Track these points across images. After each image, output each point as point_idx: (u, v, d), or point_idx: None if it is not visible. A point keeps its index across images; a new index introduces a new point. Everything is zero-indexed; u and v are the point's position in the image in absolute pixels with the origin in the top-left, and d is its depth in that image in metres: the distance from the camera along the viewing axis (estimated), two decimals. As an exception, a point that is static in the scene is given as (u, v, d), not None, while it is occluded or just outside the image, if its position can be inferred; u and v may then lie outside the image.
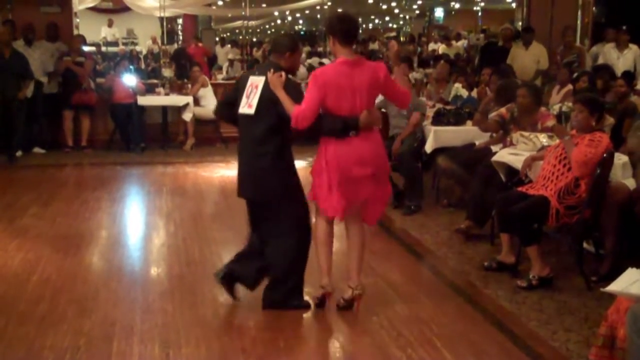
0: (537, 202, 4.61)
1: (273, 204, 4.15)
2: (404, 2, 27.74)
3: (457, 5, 28.96)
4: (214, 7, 19.37)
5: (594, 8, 10.81)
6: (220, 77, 12.87)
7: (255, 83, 4.12)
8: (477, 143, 6.48)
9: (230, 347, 3.81)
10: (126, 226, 6.61)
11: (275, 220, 4.17)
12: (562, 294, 4.54)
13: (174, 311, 4.27)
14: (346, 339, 4.00)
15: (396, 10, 30.39)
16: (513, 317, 4.18)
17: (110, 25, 18.76)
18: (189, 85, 10.46)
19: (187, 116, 10.12)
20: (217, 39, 21.08)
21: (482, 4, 26.72)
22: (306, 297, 4.35)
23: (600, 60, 9.17)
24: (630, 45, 9.24)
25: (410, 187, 6.71)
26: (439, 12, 29.40)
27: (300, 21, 34.48)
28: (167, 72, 11.30)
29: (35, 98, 9.60)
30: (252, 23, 23.21)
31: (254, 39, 21.75)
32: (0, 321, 4.07)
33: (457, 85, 8.49)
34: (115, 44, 18.14)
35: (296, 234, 4.20)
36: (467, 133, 6.76)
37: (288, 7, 21.48)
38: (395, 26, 34.58)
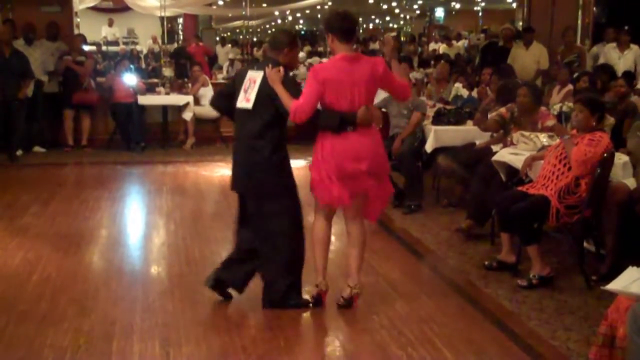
0: (537, 202, 4.61)
1: (267, 198, 4.15)
2: (404, 2, 27.74)
3: (457, 5, 28.95)
4: (214, 7, 19.36)
5: (594, 8, 10.79)
6: (220, 77, 12.87)
7: (254, 78, 4.15)
8: (477, 143, 6.48)
9: (231, 345, 3.81)
10: (126, 225, 6.61)
11: (269, 215, 4.16)
12: (563, 293, 4.54)
13: (174, 310, 4.27)
14: (346, 338, 4.00)
15: (397, 10, 30.38)
16: (513, 316, 4.18)
17: (110, 24, 18.76)
18: (190, 85, 10.47)
19: (188, 115, 10.12)
20: (217, 38, 21.09)
21: (483, 4, 26.72)
22: (305, 296, 4.35)
23: (601, 60, 9.16)
24: (631, 45, 9.24)
25: (410, 187, 6.71)
26: (439, 12, 29.40)
27: (301, 21, 34.49)
28: (168, 72, 11.30)
29: (35, 97, 9.61)
30: (253, 23, 23.23)
31: (255, 39, 21.75)
32: (0, 320, 4.07)
33: (458, 85, 8.50)
34: (115, 43, 18.14)
35: (289, 231, 4.20)
36: (468, 133, 6.76)
37: (288, 7, 21.49)
38: (395, 26, 34.56)
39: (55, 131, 10.11)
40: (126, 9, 16.91)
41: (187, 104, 10.08)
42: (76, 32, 10.79)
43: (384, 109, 7.03)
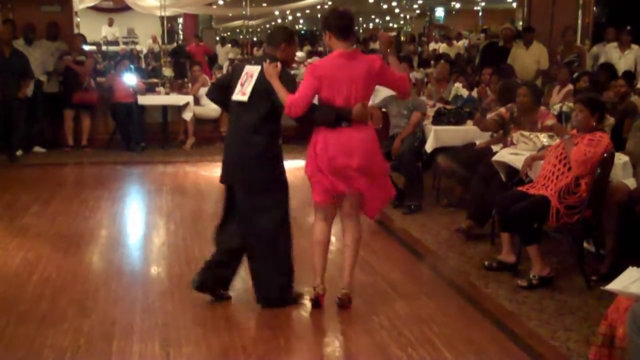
0: (537, 202, 4.61)
1: (260, 193, 4.16)
2: (404, 1, 27.73)
3: (457, 5, 28.95)
4: (214, 7, 19.36)
5: (594, 8, 10.80)
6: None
7: (251, 72, 4.17)
8: (477, 143, 6.48)
9: (231, 346, 3.81)
10: (126, 225, 6.61)
11: (261, 211, 4.17)
12: (563, 294, 4.54)
13: (174, 310, 4.27)
14: (346, 338, 3.99)
15: (397, 10, 30.38)
16: (513, 317, 4.18)
17: (110, 24, 18.76)
18: (189, 85, 10.47)
19: (188, 115, 10.12)
20: (217, 38, 21.07)
21: (483, 3, 26.71)
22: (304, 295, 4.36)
23: (602, 60, 9.16)
24: (632, 45, 9.24)
25: (410, 187, 6.71)
26: (439, 12, 29.40)
27: (301, 21, 34.47)
28: (168, 72, 11.30)
29: (35, 97, 9.61)
30: (253, 22, 23.22)
31: (255, 38, 21.73)
32: (0, 320, 4.07)
33: (458, 85, 8.50)
34: (115, 43, 18.14)
35: (282, 227, 4.23)
36: (468, 133, 6.76)
37: (288, 7, 21.49)
38: (395, 26, 34.54)
39: (55, 131, 10.11)
40: (126, 8, 16.91)
41: (187, 104, 10.07)
42: (76, 32, 10.78)
43: (384, 109, 7.03)
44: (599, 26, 10.60)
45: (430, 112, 7.20)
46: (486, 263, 5.03)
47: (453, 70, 9.44)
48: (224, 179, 4.32)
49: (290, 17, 30.72)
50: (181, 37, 19.67)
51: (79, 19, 11.41)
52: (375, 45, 20.01)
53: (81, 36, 10.56)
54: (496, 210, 5.10)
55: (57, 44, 10.11)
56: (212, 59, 15.15)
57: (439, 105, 7.74)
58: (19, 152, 9.35)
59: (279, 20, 30.13)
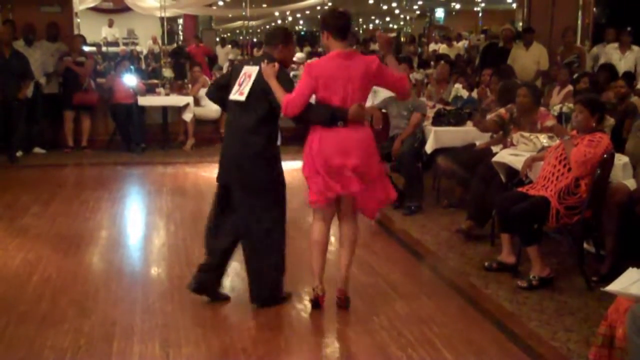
0: (537, 203, 4.61)
1: (257, 193, 4.17)
2: (404, 2, 27.74)
3: (457, 6, 28.97)
4: (214, 8, 19.37)
5: (594, 9, 10.80)
6: (220, 77, 12.86)
7: (249, 72, 4.19)
8: (477, 144, 6.48)
9: (231, 346, 3.81)
10: (126, 226, 6.61)
11: (260, 210, 4.19)
12: (563, 294, 4.54)
13: (174, 311, 4.27)
14: (346, 339, 4.00)
15: (397, 11, 30.39)
16: (513, 317, 4.18)
17: (110, 25, 18.76)
18: (189, 86, 10.47)
19: (188, 116, 10.12)
20: (217, 39, 21.09)
21: (483, 4, 26.72)
22: (305, 297, 4.37)
23: (602, 61, 9.15)
24: (633, 46, 9.24)
25: (410, 188, 6.71)
26: (439, 13, 29.40)
27: (301, 21, 34.49)
28: (168, 72, 11.30)
29: (35, 98, 9.62)
30: (253, 23, 23.21)
31: (255, 39, 21.74)
32: (0, 321, 4.07)
33: (458, 85, 8.50)
34: (115, 44, 18.14)
35: (279, 226, 4.27)
36: (467, 134, 6.76)
37: (288, 8, 21.49)
38: (395, 26, 34.55)
39: (56, 132, 10.12)
40: (126, 9, 16.93)
41: (187, 105, 10.08)
42: (76, 32, 10.78)
43: (384, 110, 7.03)
44: (599, 27, 10.60)
45: (430, 113, 7.21)
46: (486, 264, 5.03)
47: (453, 71, 9.43)
48: (221, 178, 4.34)
49: (290, 18, 30.74)
50: (181, 38, 19.67)
51: (79, 20, 11.41)
52: (376, 46, 20.03)
53: (81, 37, 10.57)
54: (496, 211, 5.10)
55: (57, 44, 10.12)
56: (212, 60, 15.16)
57: (439, 106, 7.74)
58: (19, 153, 9.35)
59: (279, 21, 30.15)
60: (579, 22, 10.55)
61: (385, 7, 28.63)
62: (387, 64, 4.26)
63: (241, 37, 21.16)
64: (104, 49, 17.14)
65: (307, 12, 25.90)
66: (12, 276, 4.89)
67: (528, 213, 4.59)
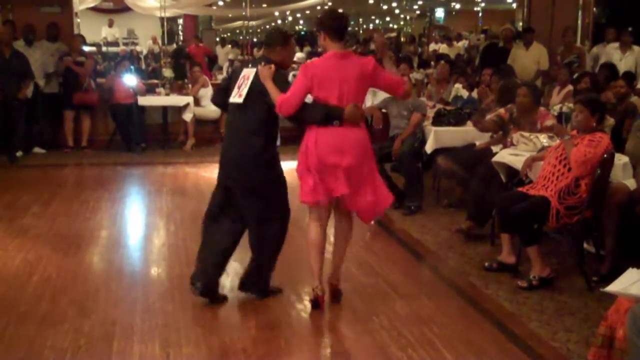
0: (537, 203, 4.61)
1: (258, 193, 4.21)
2: (404, 2, 27.74)
3: (457, 6, 28.96)
4: (214, 8, 19.37)
5: (594, 8, 10.80)
6: (220, 77, 12.87)
7: (247, 75, 4.24)
8: (477, 143, 6.48)
9: (231, 347, 3.81)
10: (126, 226, 6.62)
11: (260, 209, 4.24)
12: (563, 295, 4.54)
13: (175, 311, 4.27)
14: (346, 339, 3.99)
15: (397, 11, 30.39)
16: (513, 318, 4.18)
17: (110, 25, 18.77)
18: (189, 86, 10.47)
19: (188, 116, 10.12)
20: (217, 39, 21.09)
21: (483, 4, 26.72)
22: (305, 298, 4.38)
23: (602, 61, 9.15)
24: (633, 47, 9.24)
25: (410, 188, 6.71)
26: (439, 13, 29.40)
27: (301, 21, 34.48)
28: (168, 72, 11.31)
29: (35, 98, 9.61)
30: (253, 23, 23.20)
31: (255, 39, 21.74)
32: (0, 321, 4.07)
33: (458, 85, 8.49)
34: (115, 44, 18.14)
35: (279, 224, 4.32)
36: (467, 133, 6.76)
37: (288, 7, 21.49)
38: (395, 26, 34.54)
39: (55, 132, 10.13)
40: (126, 9, 16.93)
41: (187, 105, 10.08)
42: (76, 32, 10.78)
43: (384, 110, 7.03)
44: (599, 27, 10.60)
45: (430, 113, 7.20)
46: (486, 264, 5.03)
47: (453, 71, 9.43)
48: (221, 179, 4.37)
49: (290, 18, 30.75)
50: (181, 38, 19.67)
51: (79, 20, 11.41)
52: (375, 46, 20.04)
53: (81, 37, 10.56)
54: (496, 210, 5.10)
55: (57, 45, 10.12)
56: (212, 60, 15.17)
57: (439, 106, 7.74)
58: (19, 153, 9.35)
59: (279, 21, 30.15)
60: (579, 22, 10.55)
61: (385, 7, 28.63)
62: (384, 66, 4.28)
63: (241, 37, 21.15)
64: (104, 49, 17.14)
65: (307, 12, 25.88)
66: (12, 276, 4.89)
67: (528, 213, 4.59)
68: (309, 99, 4.13)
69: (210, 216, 4.41)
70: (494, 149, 6.03)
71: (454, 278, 4.91)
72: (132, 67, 10.90)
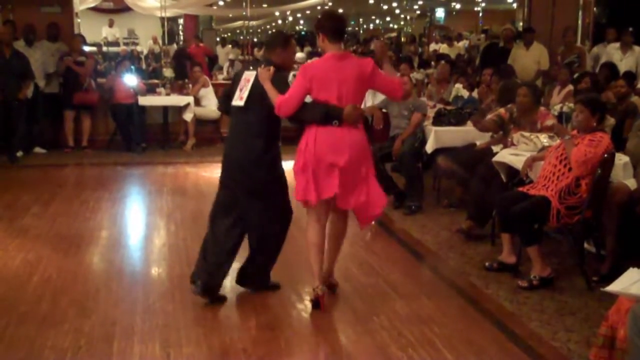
0: (538, 203, 4.61)
1: (259, 194, 4.25)
2: (404, 2, 27.75)
3: (458, 6, 28.95)
4: (214, 7, 19.37)
5: (594, 8, 10.80)
6: (221, 77, 12.88)
7: (248, 77, 4.28)
8: (477, 143, 6.48)
9: (231, 346, 3.81)
10: (127, 226, 6.61)
11: (261, 210, 4.28)
12: (563, 294, 4.54)
13: (175, 311, 4.27)
14: (347, 339, 3.99)
15: (397, 11, 30.39)
16: (514, 318, 4.18)
17: (111, 25, 18.77)
18: (190, 86, 10.47)
19: (188, 116, 10.12)
20: (217, 39, 21.09)
21: (483, 4, 26.72)
22: (306, 298, 4.38)
23: (603, 61, 9.14)
24: (634, 47, 9.23)
25: (410, 188, 6.71)
26: (439, 13, 29.39)
27: (301, 21, 34.49)
28: (168, 72, 11.31)
29: (35, 98, 9.61)
30: (253, 23, 23.23)
31: (255, 39, 21.76)
32: (0, 321, 4.07)
33: (458, 85, 8.50)
34: (116, 44, 18.15)
35: (280, 224, 4.37)
36: (468, 133, 6.75)
37: (289, 7, 21.49)
38: (396, 26, 34.56)
39: (56, 132, 10.13)
40: (127, 9, 16.93)
41: (187, 105, 10.08)
42: (77, 32, 10.78)
43: (384, 110, 7.03)
44: (599, 27, 10.60)
45: (431, 113, 7.21)
46: (487, 264, 5.03)
47: (453, 71, 9.44)
48: (224, 180, 4.39)
49: (290, 18, 30.76)
50: (181, 38, 19.67)
51: (79, 20, 11.41)
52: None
53: (81, 37, 10.56)
54: (496, 210, 5.10)
55: (57, 45, 10.12)
56: (213, 60, 15.17)
57: (440, 106, 7.74)
58: (19, 153, 9.35)
59: (280, 21, 30.17)
60: (580, 22, 10.55)
61: (385, 7, 28.64)
62: (384, 70, 4.32)
63: (241, 37, 21.19)
64: (104, 49, 17.15)
65: (308, 12, 25.89)
66: (12, 276, 4.89)
67: (528, 213, 4.59)
68: (308, 99, 4.15)
69: (214, 216, 4.42)
70: (495, 148, 6.03)
71: (455, 278, 4.91)
72: (132, 67, 10.91)
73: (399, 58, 11.26)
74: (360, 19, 34.24)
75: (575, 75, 8.17)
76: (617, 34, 9.50)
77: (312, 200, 4.13)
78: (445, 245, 5.65)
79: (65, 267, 5.09)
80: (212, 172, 8.68)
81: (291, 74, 4.41)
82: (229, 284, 4.59)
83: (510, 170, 5.43)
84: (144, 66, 15.89)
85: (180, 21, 19.94)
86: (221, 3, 19.73)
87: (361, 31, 34.53)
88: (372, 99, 7.43)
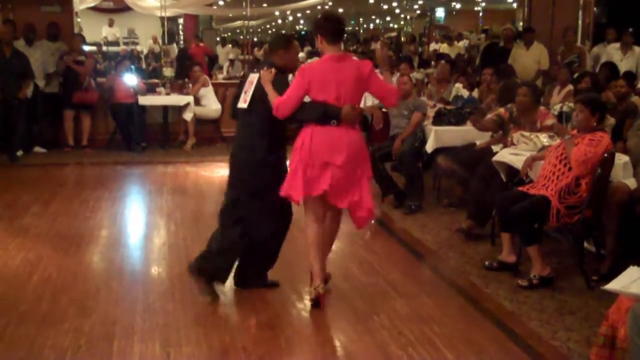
0: (537, 202, 4.61)
1: (261, 195, 4.29)
2: (404, 2, 27.74)
3: (458, 6, 28.95)
4: (214, 7, 19.36)
5: (595, 8, 10.79)
6: (220, 77, 12.88)
7: (252, 79, 4.34)
8: (477, 143, 6.48)
9: (231, 346, 3.81)
10: (127, 226, 6.61)
11: (261, 207, 4.32)
12: (563, 294, 4.54)
13: (175, 310, 4.27)
14: (347, 338, 3.99)
15: (397, 10, 30.38)
16: (514, 317, 4.18)
17: (111, 24, 18.77)
18: (190, 85, 10.47)
19: (188, 116, 10.12)
20: (217, 38, 21.09)
21: (483, 4, 26.71)
22: (305, 297, 4.38)
23: (603, 61, 9.14)
24: (634, 47, 9.23)
25: (411, 187, 6.71)
26: (440, 12, 29.39)
27: (301, 21, 34.48)
28: (168, 72, 11.31)
29: (35, 97, 9.61)
30: (253, 23, 23.23)
31: (255, 39, 21.77)
32: (1, 321, 4.07)
33: (458, 85, 8.50)
34: (116, 43, 18.15)
35: (280, 221, 4.40)
36: (468, 133, 6.75)
37: (289, 7, 21.48)
38: (396, 26, 34.55)
39: (56, 131, 10.12)
40: (127, 9, 16.91)
41: (187, 104, 10.08)
42: (77, 32, 10.78)
43: (384, 109, 7.03)
44: (599, 27, 10.59)
45: (431, 113, 7.21)
46: (486, 263, 5.03)
47: (453, 70, 9.44)
48: (231, 180, 4.45)
49: (290, 18, 30.75)
50: (182, 37, 19.67)
51: (79, 20, 11.40)
52: (377, 45, 20.06)
53: (80, 36, 10.56)
54: (496, 210, 5.10)
55: (57, 44, 10.11)
56: (213, 60, 15.17)
57: (440, 105, 7.75)
58: (19, 153, 9.35)
59: (279, 21, 30.16)
60: (580, 21, 10.55)
61: (385, 7, 28.63)
62: (382, 77, 4.36)
63: (242, 37, 21.17)
64: (104, 48, 17.15)
65: (308, 11, 25.87)
66: (13, 276, 4.89)
67: (528, 212, 4.59)
68: (306, 99, 4.18)
69: (222, 213, 4.47)
70: (494, 148, 6.03)
71: (455, 277, 4.91)
72: (132, 66, 10.91)
73: (399, 58, 11.26)
74: (361, 19, 34.25)
75: (575, 75, 8.17)
76: (617, 33, 9.50)
77: (294, 197, 4.15)
78: (445, 244, 5.65)
79: (66, 266, 5.09)
80: (212, 172, 8.70)
81: (290, 75, 4.43)
82: (229, 284, 4.59)
83: (510, 169, 5.43)
84: (144, 66, 15.90)
85: (180, 21, 19.94)
86: (221, 3, 19.72)
87: (361, 31, 34.55)
88: (372, 99, 7.42)
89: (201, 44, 14.77)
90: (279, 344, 3.85)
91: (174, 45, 16.86)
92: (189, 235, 5.90)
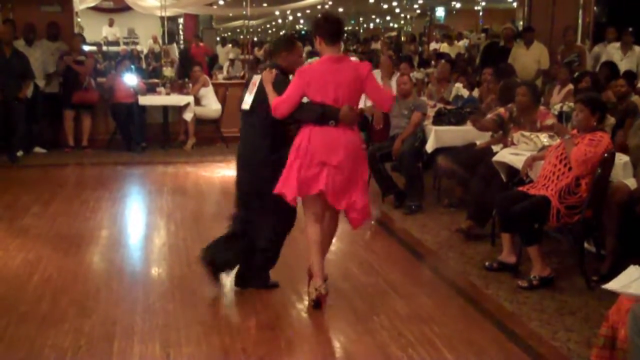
0: (538, 202, 4.61)
1: (264, 195, 4.31)
2: (404, 1, 27.73)
3: (458, 5, 28.93)
4: (215, 7, 19.36)
5: (595, 8, 10.79)
6: (221, 77, 12.89)
7: (255, 81, 4.39)
8: (477, 143, 6.48)
9: (231, 346, 3.81)
10: (127, 226, 6.61)
11: (262, 206, 4.37)
12: (563, 294, 4.54)
13: (175, 311, 4.27)
14: (347, 339, 3.99)
15: (397, 10, 30.37)
16: (514, 317, 4.18)
17: (111, 24, 18.77)
18: (190, 85, 10.47)
19: (188, 116, 10.12)
20: (218, 38, 21.09)
21: (483, 3, 26.67)
22: (305, 298, 4.38)
23: (603, 60, 9.14)
24: (634, 47, 9.22)
25: (411, 187, 6.71)
26: (440, 12, 29.39)
27: (301, 21, 34.48)
28: (168, 72, 11.31)
29: (35, 97, 9.60)
30: (253, 22, 23.23)
31: (255, 39, 21.77)
32: (1, 321, 4.07)
33: (458, 85, 8.49)
34: (116, 43, 18.16)
35: (280, 221, 4.42)
36: (468, 133, 6.75)
37: (289, 7, 21.49)
38: (396, 26, 34.55)
39: (56, 132, 10.12)
40: (127, 8, 16.91)
41: (187, 104, 10.08)
42: (77, 32, 10.77)
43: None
44: (599, 26, 10.59)
45: (431, 112, 7.20)
46: (487, 263, 5.03)
47: (454, 70, 9.43)
48: (238, 179, 4.53)
49: (290, 17, 30.74)
50: (182, 37, 19.67)
51: (79, 19, 11.40)
52: (377, 45, 20.06)
53: (80, 36, 10.56)
54: (496, 210, 5.10)
55: (57, 44, 10.10)
56: (213, 60, 15.17)
57: (440, 105, 7.74)
58: (19, 153, 9.35)
59: (280, 21, 30.15)
60: (580, 21, 10.54)
61: (385, 6, 28.62)
62: (383, 83, 4.37)
63: (242, 36, 21.16)
64: (104, 48, 17.15)
65: (308, 11, 25.89)
66: (13, 276, 4.89)
67: (528, 212, 4.59)
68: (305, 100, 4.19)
69: (236, 210, 4.57)
70: (495, 148, 6.03)
71: (454, 278, 4.91)
72: (132, 66, 10.90)
73: (399, 57, 11.25)
74: (361, 18, 34.23)
75: (576, 75, 8.17)
76: (617, 33, 9.50)
77: (287, 196, 4.15)
78: (445, 245, 5.65)
79: (66, 266, 5.09)
80: (212, 172, 8.70)
81: (291, 76, 4.44)
82: (229, 284, 4.59)
83: (510, 169, 5.43)
84: (144, 65, 15.90)
85: (180, 20, 19.95)
86: (221, 2, 19.72)
87: (361, 30, 34.53)
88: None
89: (201, 44, 14.77)
90: (279, 345, 3.85)
91: (174, 45, 16.86)
92: (189, 235, 5.90)
